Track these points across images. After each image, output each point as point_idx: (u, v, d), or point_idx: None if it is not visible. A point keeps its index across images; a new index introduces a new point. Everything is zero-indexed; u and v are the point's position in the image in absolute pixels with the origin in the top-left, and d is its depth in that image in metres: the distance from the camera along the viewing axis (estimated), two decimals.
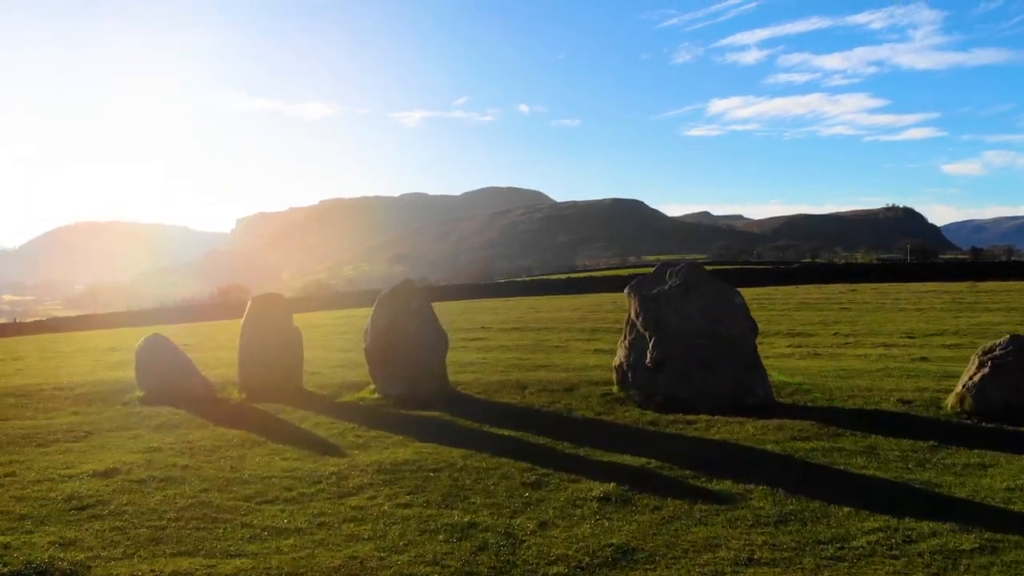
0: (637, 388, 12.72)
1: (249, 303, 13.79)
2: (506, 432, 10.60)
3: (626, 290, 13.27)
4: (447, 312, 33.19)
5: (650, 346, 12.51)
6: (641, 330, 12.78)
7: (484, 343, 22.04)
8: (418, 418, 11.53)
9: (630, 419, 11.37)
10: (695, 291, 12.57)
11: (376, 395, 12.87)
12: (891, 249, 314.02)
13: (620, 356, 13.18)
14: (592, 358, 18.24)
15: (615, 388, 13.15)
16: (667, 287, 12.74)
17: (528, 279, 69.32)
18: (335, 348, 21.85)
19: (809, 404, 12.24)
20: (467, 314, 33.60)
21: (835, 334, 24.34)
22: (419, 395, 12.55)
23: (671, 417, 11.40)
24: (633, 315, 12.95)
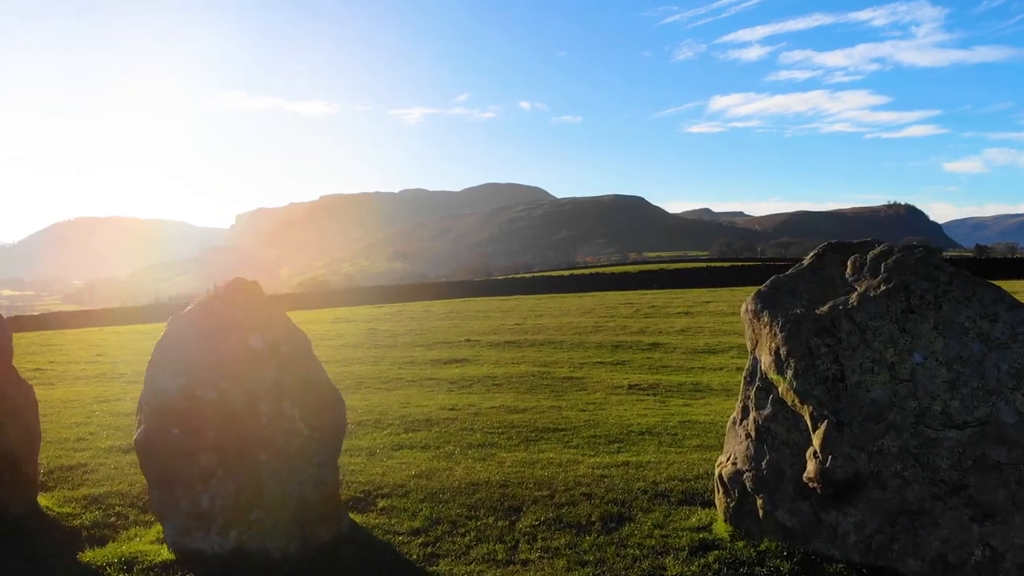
0: (781, 535, 5.41)
1: None
2: None
3: (748, 306, 5.87)
4: (429, 318, 25.92)
5: (818, 442, 5.16)
6: (791, 400, 5.41)
7: (463, 371, 14.63)
8: None
9: None
10: (928, 309, 5.19)
11: (166, 550, 5.46)
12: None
13: (735, 454, 5.83)
14: (631, 407, 10.88)
15: (722, 526, 5.83)
16: (854, 300, 5.36)
17: (528, 275, 62.20)
18: None
19: None
20: (453, 319, 26.25)
21: None
22: (266, 558, 5.22)
23: None
24: (770, 364, 5.56)
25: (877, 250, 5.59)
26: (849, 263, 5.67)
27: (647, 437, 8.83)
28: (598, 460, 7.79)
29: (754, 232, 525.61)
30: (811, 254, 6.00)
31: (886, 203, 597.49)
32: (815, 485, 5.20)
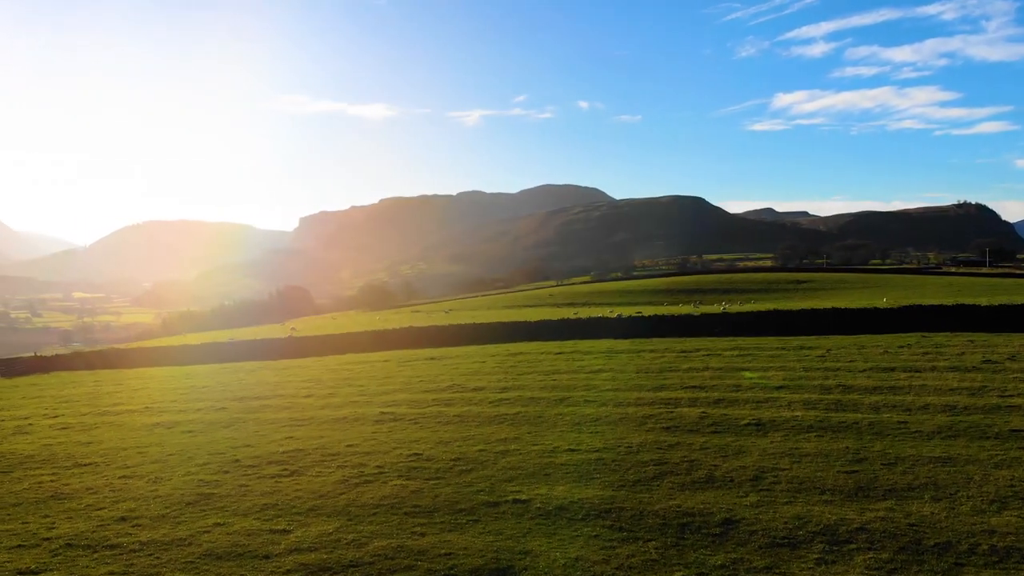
0: None
1: None
2: None
3: None
4: (477, 415, 23.90)
5: None
6: None
7: None
8: None
9: None
10: None
11: None
12: (964, 248, 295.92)
13: None
14: None
15: None
16: None
17: (584, 317, 59.95)
18: None
19: None
20: (503, 420, 24.30)
21: None
22: None
23: None
24: None
25: None
26: None
27: None
28: None
29: (819, 233, 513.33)
30: None
31: (955, 202, 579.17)
32: None
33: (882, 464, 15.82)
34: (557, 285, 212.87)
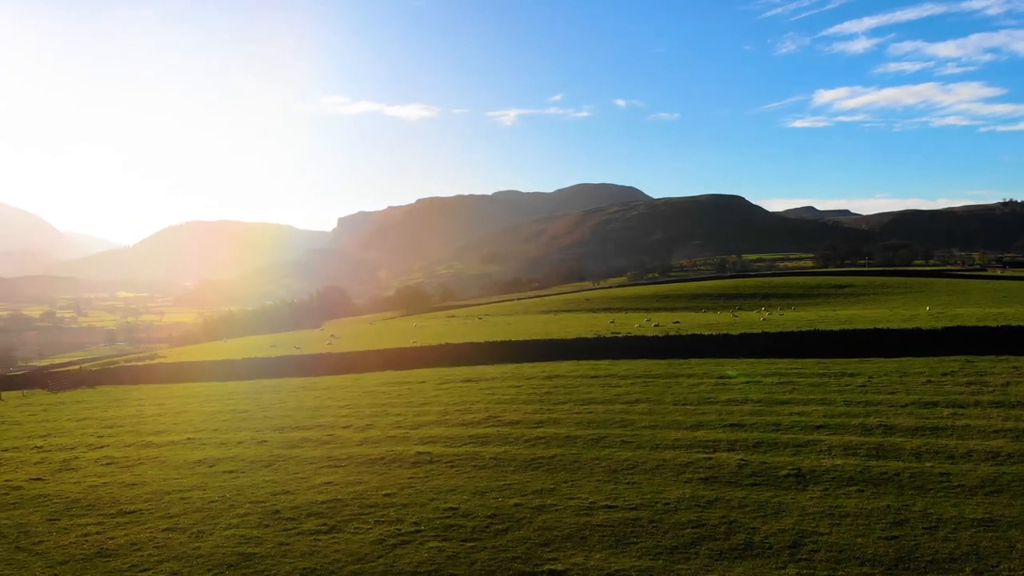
0: None
1: None
2: None
3: None
4: (509, 463, 23.82)
5: None
6: None
7: None
8: None
9: None
10: None
11: None
12: (1010, 248, 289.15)
13: None
14: None
15: None
16: None
17: (622, 334, 59.54)
18: None
19: None
20: (535, 469, 24.29)
21: None
22: None
23: None
24: None
25: None
26: None
27: None
28: None
29: (861, 232, 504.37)
30: None
31: (1001, 200, 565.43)
32: None
33: (923, 528, 15.55)
34: (594, 288, 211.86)
